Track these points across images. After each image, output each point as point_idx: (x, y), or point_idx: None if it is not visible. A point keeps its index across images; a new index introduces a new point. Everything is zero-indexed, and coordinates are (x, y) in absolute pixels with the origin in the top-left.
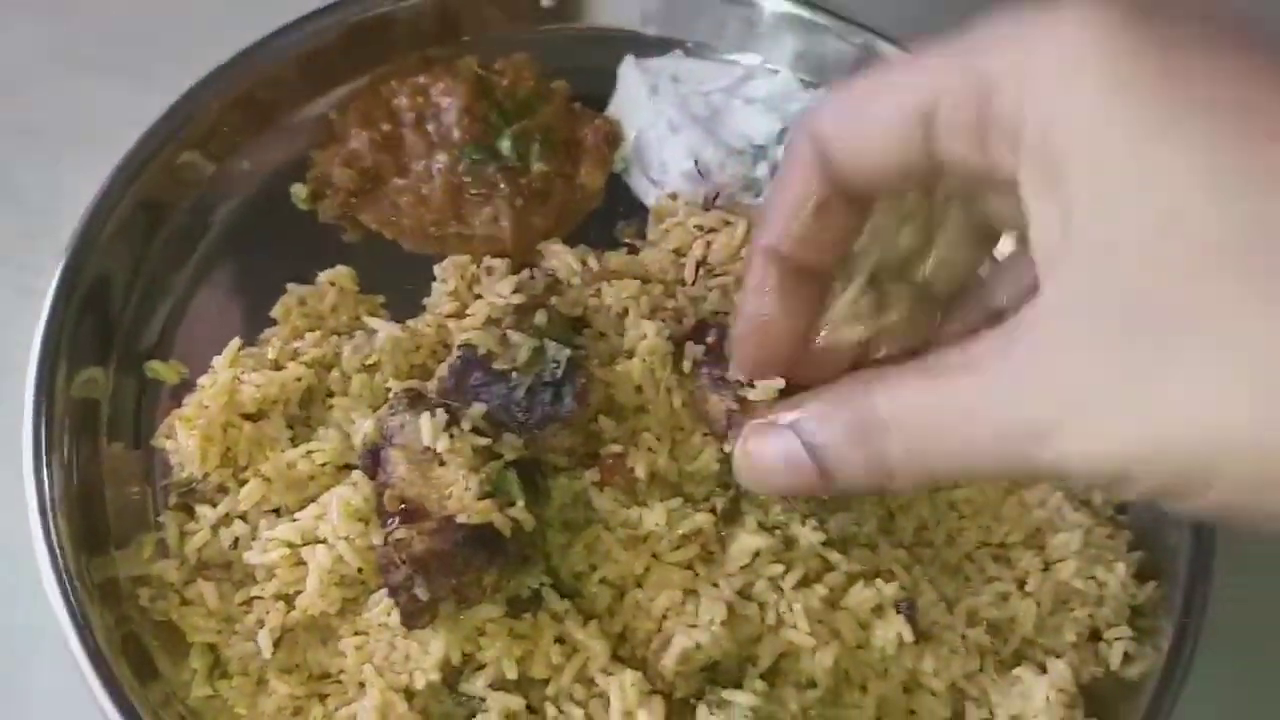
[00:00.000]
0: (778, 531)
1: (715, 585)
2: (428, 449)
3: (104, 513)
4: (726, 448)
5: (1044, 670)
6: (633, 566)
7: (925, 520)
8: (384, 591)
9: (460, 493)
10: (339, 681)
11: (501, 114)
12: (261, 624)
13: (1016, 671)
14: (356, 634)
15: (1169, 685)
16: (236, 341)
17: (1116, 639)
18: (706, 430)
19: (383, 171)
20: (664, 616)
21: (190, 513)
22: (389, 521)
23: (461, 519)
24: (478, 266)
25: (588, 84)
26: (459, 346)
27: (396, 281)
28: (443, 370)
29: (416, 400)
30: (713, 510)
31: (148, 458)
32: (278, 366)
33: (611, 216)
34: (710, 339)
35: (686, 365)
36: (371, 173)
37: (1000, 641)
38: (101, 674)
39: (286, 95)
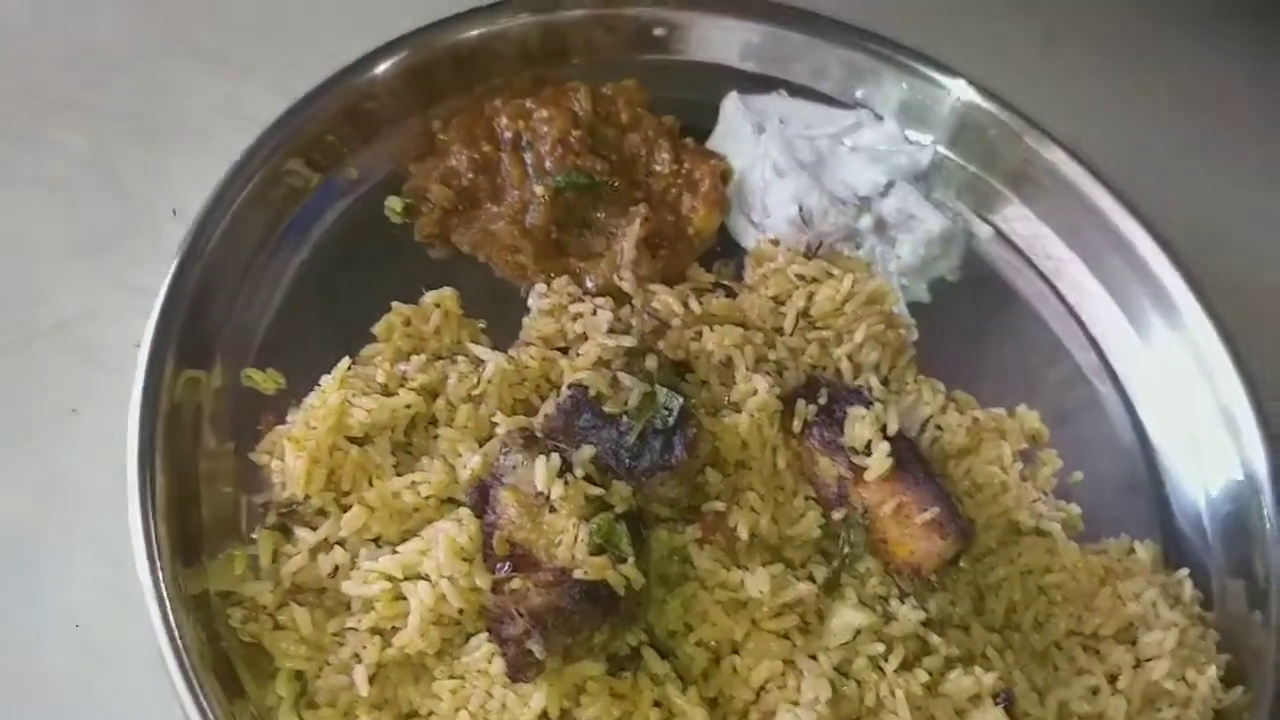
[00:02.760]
0: (878, 608)
1: (814, 658)
2: (540, 493)
3: (199, 521)
4: (835, 515)
5: None
6: (731, 631)
7: (1015, 604)
8: (483, 636)
9: (570, 543)
10: None
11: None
12: (357, 658)
13: None
14: (452, 678)
15: None
16: (346, 362)
17: None
18: (810, 494)
19: (478, 194)
20: (763, 688)
21: (287, 534)
22: (499, 567)
23: (577, 573)
24: (579, 290)
25: (689, 116)
26: (569, 386)
27: (488, 303)
28: (550, 408)
29: (531, 441)
30: (812, 579)
31: (243, 467)
32: (386, 391)
33: (708, 254)
34: (822, 399)
35: (796, 424)
36: (468, 193)
37: None
38: (192, 689)
39: (394, 107)
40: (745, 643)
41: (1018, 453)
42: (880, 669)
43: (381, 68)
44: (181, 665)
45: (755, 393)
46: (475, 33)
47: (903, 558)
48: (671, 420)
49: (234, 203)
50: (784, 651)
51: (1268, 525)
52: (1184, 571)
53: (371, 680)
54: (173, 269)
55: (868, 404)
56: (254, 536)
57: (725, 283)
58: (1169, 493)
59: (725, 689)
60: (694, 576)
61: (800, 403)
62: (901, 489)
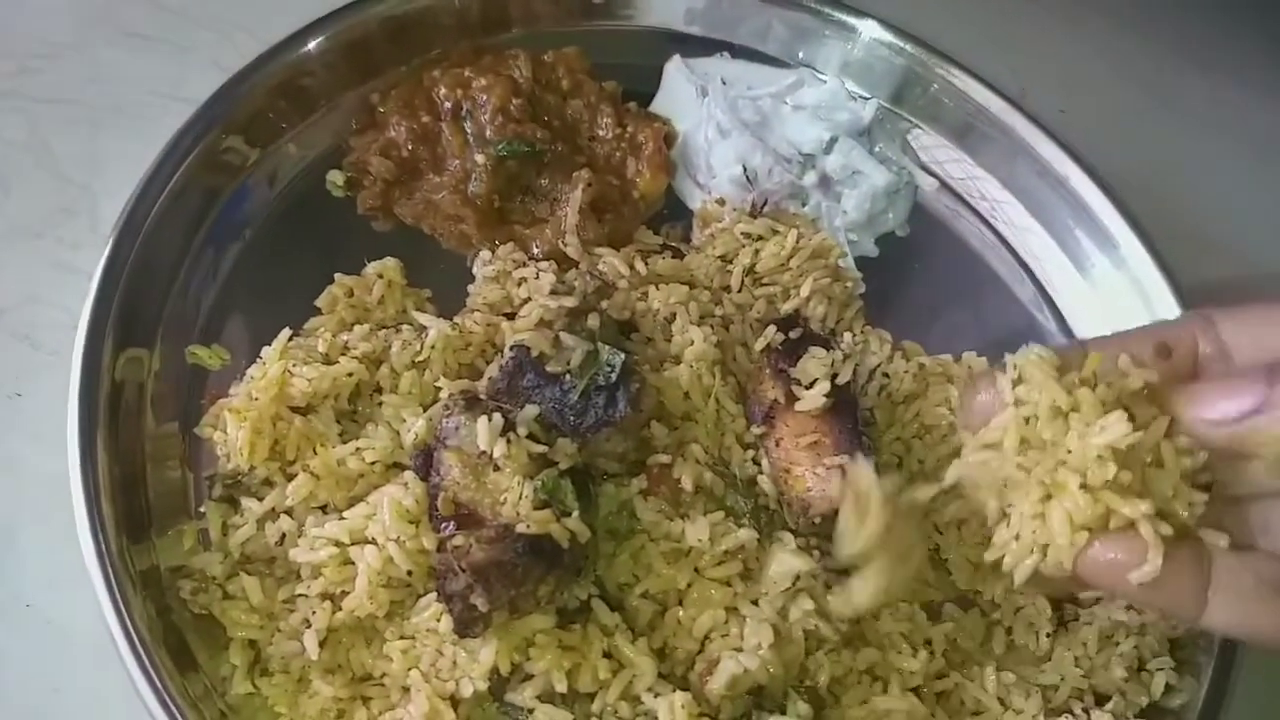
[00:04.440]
0: (816, 553)
1: (755, 604)
2: (483, 453)
3: (145, 498)
4: (755, 430)
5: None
6: (675, 581)
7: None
8: (432, 596)
9: (515, 500)
10: (382, 685)
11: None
12: (307, 623)
13: None
14: (403, 638)
15: (1210, 717)
16: (286, 332)
17: (1159, 669)
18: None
19: (419, 165)
20: (707, 637)
21: (234, 505)
22: (443, 526)
23: (520, 528)
24: (525, 256)
25: (631, 80)
26: (511, 347)
27: (434, 273)
28: (494, 370)
29: (473, 403)
30: (757, 528)
31: (189, 444)
32: (328, 360)
33: (654, 217)
34: (794, 334)
35: (759, 344)
36: (409, 164)
37: (1051, 690)
38: (142, 664)
39: (332, 81)
40: (689, 592)
41: None
42: (820, 613)
43: (317, 41)
44: (130, 641)
45: (692, 343)
46: (413, 4)
47: (798, 492)
48: (614, 376)
49: (170, 180)
50: (726, 599)
51: None
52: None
53: (323, 645)
54: (108, 248)
55: (830, 350)
56: (203, 511)
57: (673, 244)
58: None
59: (670, 640)
60: (640, 530)
61: (771, 328)
62: (826, 429)
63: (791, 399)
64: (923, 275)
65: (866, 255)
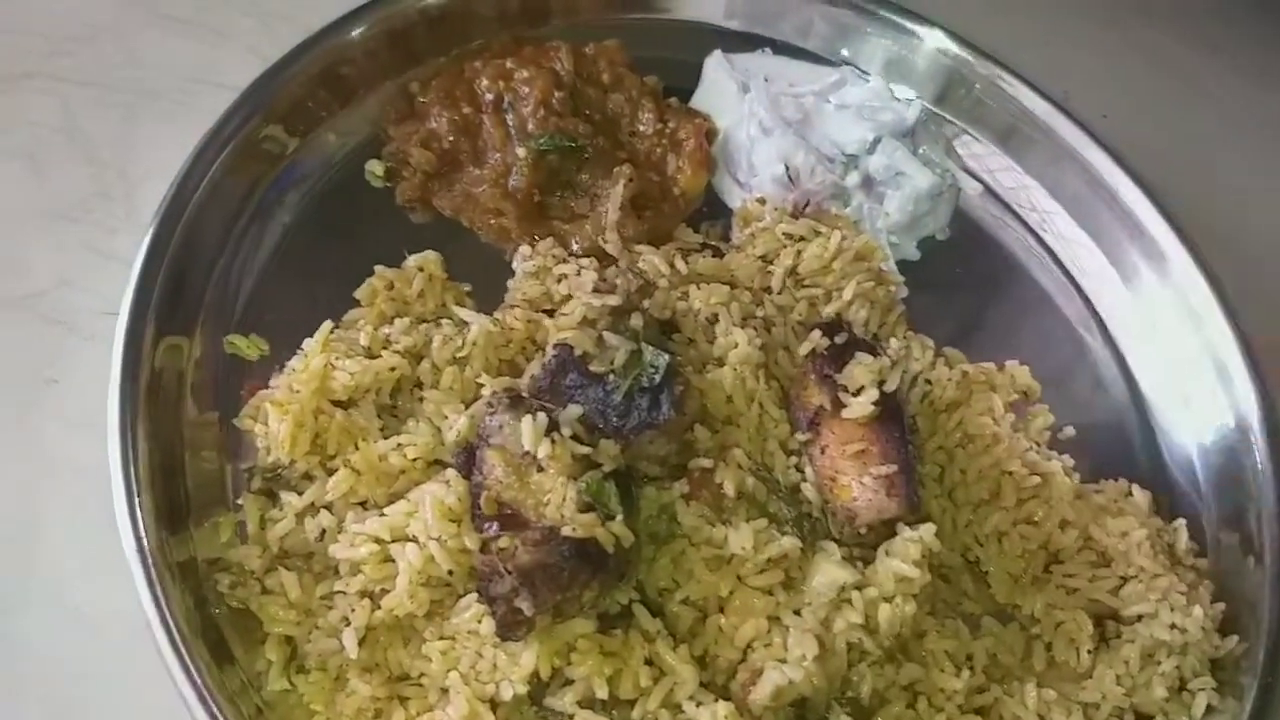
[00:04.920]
0: (860, 563)
1: (798, 614)
2: (527, 453)
3: (184, 489)
4: (800, 437)
5: None
6: (716, 588)
7: (1007, 551)
8: (473, 596)
9: (559, 501)
10: (420, 685)
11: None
12: (346, 621)
13: None
14: (442, 638)
15: None
16: (328, 325)
17: (1200, 689)
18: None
19: (460, 157)
20: (749, 646)
21: (273, 498)
22: (486, 526)
23: (565, 531)
24: (564, 252)
25: (671, 75)
26: (554, 346)
27: (470, 266)
28: (536, 368)
29: (517, 402)
30: (800, 536)
31: (227, 434)
32: (370, 354)
33: (694, 215)
34: (840, 339)
35: (804, 348)
36: (449, 156)
37: (1092, 709)
38: (180, 657)
39: (372, 70)
40: (730, 600)
41: (1009, 405)
42: (865, 627)
43: (358, 30)
44: (169, 633)
45: (736, 346)
46: None
47: (843, 501)
48: (658, 378)
49: (210, 168)
50: (768, 608)
51: (1260, 474)
52: (1180, 521)
53: (361, 643)
54: (149, 235)
55: (877, 356)
56: (240, 503)
57: (712, 243)
58: (1161, 444)
59: (711, 648)
60: (681, 534)
61: (817, 332)
62: (872, 438)
63: (838, 406)
64: (964, 280)
65: (908, 258)
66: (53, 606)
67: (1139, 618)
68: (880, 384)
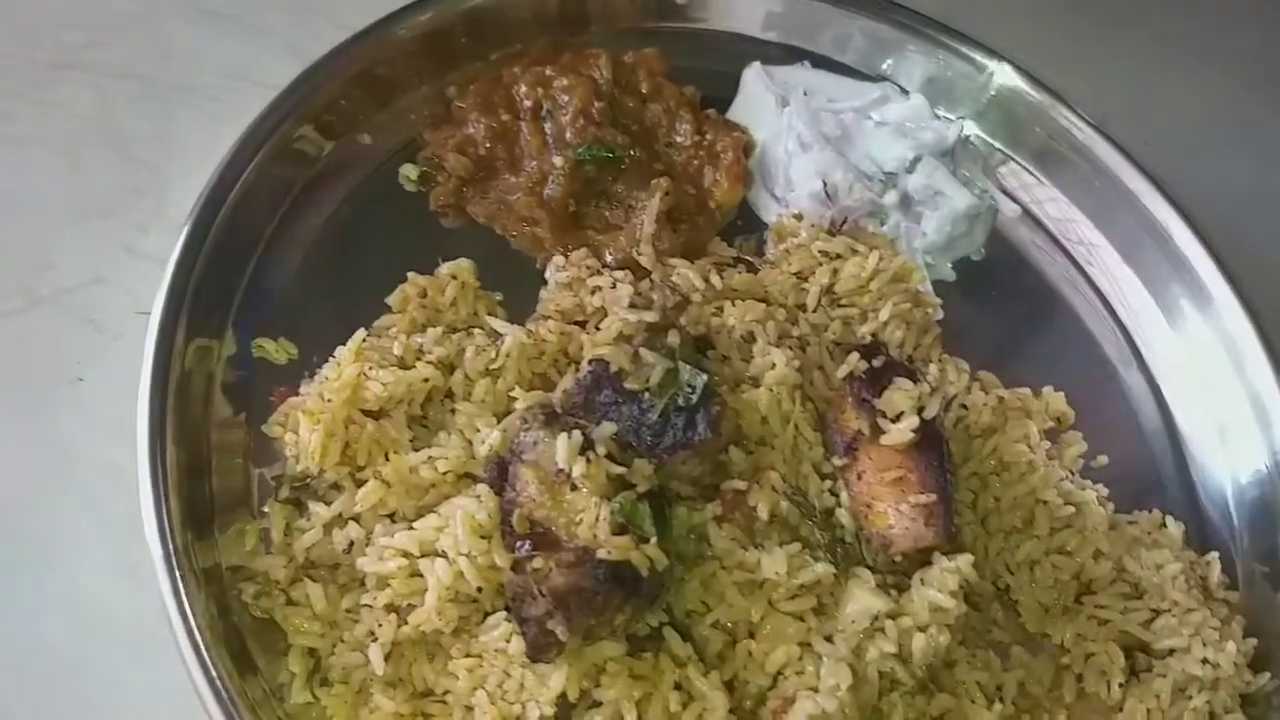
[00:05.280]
0: (894, 591)
1: (830, 641)
2: (561, 471)
3: (209, 492)
4: (836, 461)
5: None
6: (747, 612)
7: (1039, 581)
8: (501, 614)
9: (592, 521)
10: (444, 702)
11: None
12: (372, 635)
13: None
14: (469, 656)
15: None
16: (361, 333)
17: None
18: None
19: (496, 163)
20: (780, 673)
21: (299, 508)
22: (519, 546)
23: (600, 554)
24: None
25: (708, 85)
26: (590, 361)
27: (504, 275)
28: (569, 383)
29: (552, 418)
30: (834, 562)
31: (254, 438)
32: (403, 364)
33: (728, 228)
34: (877, 363)
35: (842, 371)
36: (485, 162)
37: None
38: (204, 664)
39: (409, 73)
40: (761, 625)
41: (1043, 432)
42: (898, 656)
43: (397, 32)
44: (192, 639)
45: (773, 366)
46: None
47: (879, 528)
48: (695, 398)
49: (245, 169)
50: (800, 634)
51: None
52: (1213, 555)
53: (387, 658)
54: (183, 235)
55: (916, 382)
56: (265, 510)
57: (747, 258)
58: (1195, 478)
59: (741, 673)
60: (712, 555)
61: (854, 355)
62: (910, 465)
63: (876, 431)
64: (1000, 303)
65: (943, 279)
66: (75, 608)
67: (1171, 651)
68: (920, 410)
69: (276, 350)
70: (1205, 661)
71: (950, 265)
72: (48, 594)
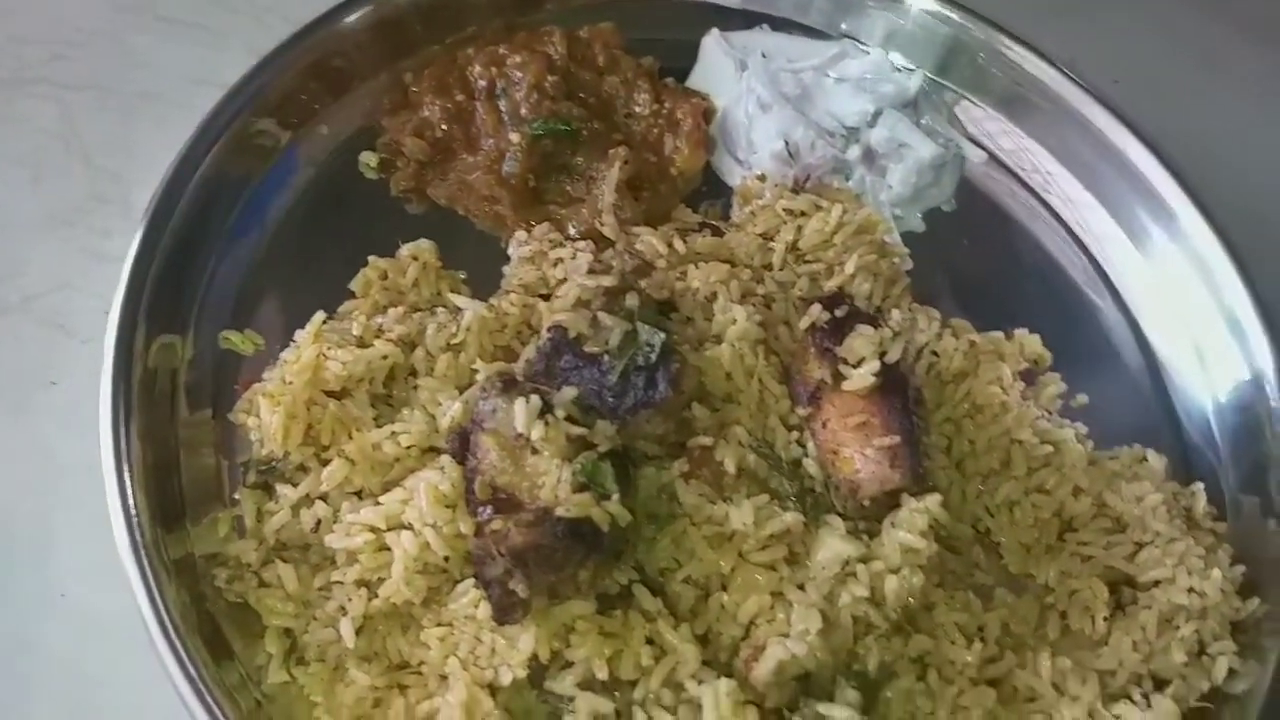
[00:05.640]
0: (865, 536)
1: (802, 589)
2: (520, 436)
3: (179, 486)
4: (800, 411)
5: (1149, 705)
6: (718, 565)
7: (1019, 521)
8: (470, 582)
9: (554, 483)
10: (419, 673)
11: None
12: (343, 611)
13: (1118, 710)
14: (440, 625)
15: (1276, 702)
16: (320, 315)
17: (1221, 653)
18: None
19: (453, 145)
20: (752, 623)
21: (269, 492)
22: (481, 511)
23: (560, 512)
24: (561, 236)
25: (668, 56)
26: (549, 328)
27: (468, 255)
28: (530, 352)
29: (510, 385)
30: (803, 511)
31: (222, 430)
32: (362, 343)
33: (693, 195)
34: (840, 312)
35: (804, 323)
36: (442, 144)
37: (1109, 675)
38: (177, 654)
39: (364, 61)
40: (733, 577)
41: (1018, 374)
42: (870, 600)
43: (349, 21)
44: (164, 630)
45: (734, 322)
46: None
47: (846, 474)
48: (654, 357)
49: (201, 164)
50: (771, 584)
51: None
52: (1198, 484)
53: (359, 632)
54: (139, 234)
55: (878, 327)
56: (237, 498)
57: (712, 222)
58: (1177, 406)
59: (714, 626)
60: (681, 513)
61: (816, 306)
62: (874, 410)
63: (838, 379)
64: (971, 250)
65: (913, 231)
66: (57, 606)
67: (1156, 583)
68: (881, 355)
69: (243, 342)
70: (1191, 590)
71: (920, 216)
72: (30, 592)
